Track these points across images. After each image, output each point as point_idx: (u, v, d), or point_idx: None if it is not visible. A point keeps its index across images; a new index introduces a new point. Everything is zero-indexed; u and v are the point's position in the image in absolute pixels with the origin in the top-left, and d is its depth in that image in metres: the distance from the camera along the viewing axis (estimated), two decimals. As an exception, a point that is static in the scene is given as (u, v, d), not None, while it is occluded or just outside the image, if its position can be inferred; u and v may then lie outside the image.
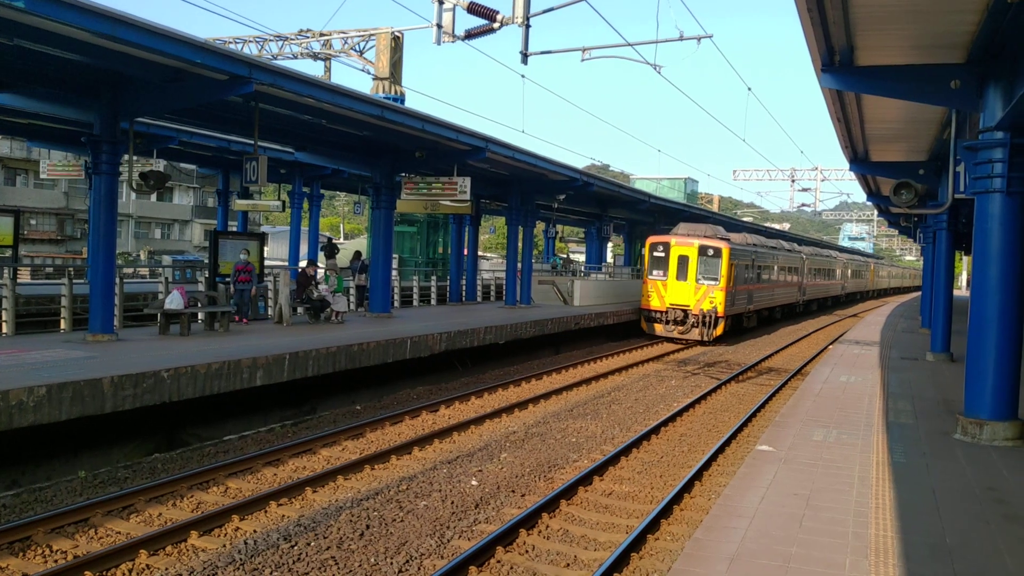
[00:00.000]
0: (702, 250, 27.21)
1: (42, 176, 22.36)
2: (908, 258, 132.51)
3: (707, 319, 26.71)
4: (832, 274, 50.83)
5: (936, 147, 16.57)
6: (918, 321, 29.64)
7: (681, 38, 18.14)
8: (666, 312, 27.30)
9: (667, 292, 27.31)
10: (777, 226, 77.29)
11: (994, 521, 6.90)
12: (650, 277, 27.81)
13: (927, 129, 15.26)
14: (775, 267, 35.47)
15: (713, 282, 26.91)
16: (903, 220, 33.38)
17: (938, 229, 19.50)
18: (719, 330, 27.13)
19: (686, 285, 27.07)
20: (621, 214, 38.88)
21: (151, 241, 62.36)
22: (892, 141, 17.02)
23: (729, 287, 27.37)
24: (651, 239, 28.79)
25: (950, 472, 8.43)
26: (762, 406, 15.34)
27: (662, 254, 27.69)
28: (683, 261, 27.24)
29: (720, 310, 26.78)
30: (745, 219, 63.54)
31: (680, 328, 27.21)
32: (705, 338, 26.89)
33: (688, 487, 9.79)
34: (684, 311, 27.04)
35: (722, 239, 28.39)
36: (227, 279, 17.75)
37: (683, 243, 27.56)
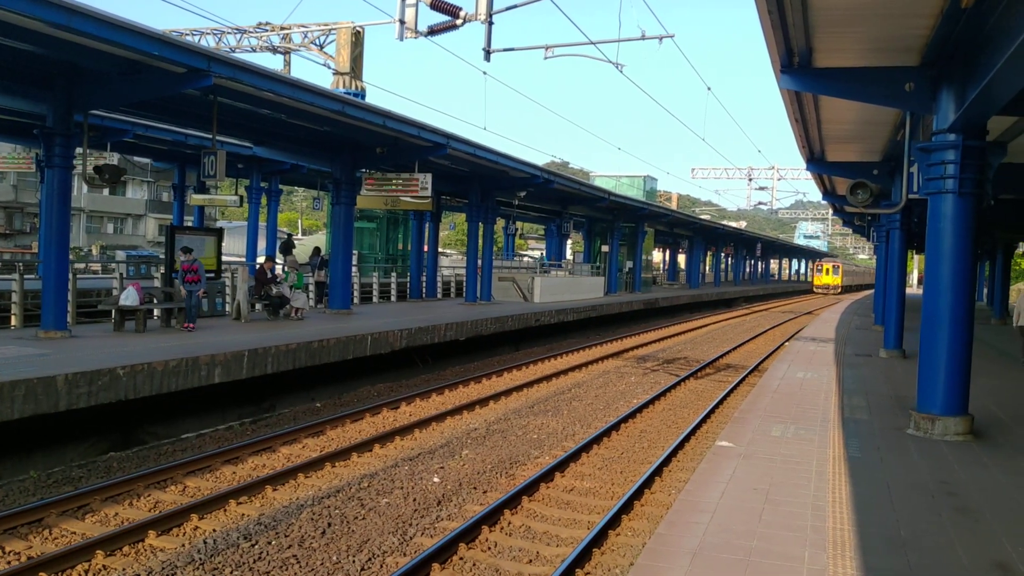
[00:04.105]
0: (833, 265, 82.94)
1: (-10, 169, 21.76)
2: (861, 256, 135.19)
3: (836, 288, 79.53)
4: (855, 273, 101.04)
5: (890, 148, 16.89)
6: (871, 319, 30.24)
7: (643, 37, 18.32)
8: (822, 286, 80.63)
9: (822, 279, 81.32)
10: (734, 223, 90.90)
11: (946, 513, 7.08)
12: (816, 275, 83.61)
13: (882, 130, 15.55)
14: (851, 271, 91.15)
15: (837, 275, 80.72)
16: (857, 219, 34.06)
17: (891, 228, 19.87)
18: (840, 291, 78.95)
19: (829, 276, 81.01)
20: (581, 211, 39.03)
21: (103, 236, 61.03)
22: (848, 142, 17.31)
23: (843, 277, 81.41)
24: (817, 263, 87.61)
25: (904, 466, 8.62)
26: (721, 402, 15.52)
27: (820, 267, 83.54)
28: (827, 269, 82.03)
29: (840, 284, 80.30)
30: (703, 216, 71.32)
31: (825, 290, 79.45)
32: (835, 294, 77.47)
33: (649, 483, 9.87)
34: (828, 285, 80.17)
35: (839, 263, 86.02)
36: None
37: (827, 265, 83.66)
